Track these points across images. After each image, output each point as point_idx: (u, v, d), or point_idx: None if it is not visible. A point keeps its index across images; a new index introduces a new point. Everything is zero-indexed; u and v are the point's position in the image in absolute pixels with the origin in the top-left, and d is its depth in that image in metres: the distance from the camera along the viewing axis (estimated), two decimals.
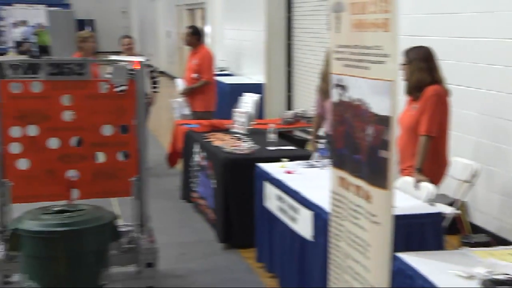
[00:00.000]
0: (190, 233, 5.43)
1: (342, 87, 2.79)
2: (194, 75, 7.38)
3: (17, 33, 22.53)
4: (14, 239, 3.37)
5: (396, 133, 2.44)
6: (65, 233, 3.29)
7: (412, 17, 5.61)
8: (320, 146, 4.59)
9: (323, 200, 3.42)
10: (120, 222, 4.03)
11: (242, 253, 4.89)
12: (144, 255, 4.01)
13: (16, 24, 23.30)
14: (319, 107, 5.00)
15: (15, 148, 4.11)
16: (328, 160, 4.38)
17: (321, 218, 3.38)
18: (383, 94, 2.43)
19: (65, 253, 3.30)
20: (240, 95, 7.05)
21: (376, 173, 2.52)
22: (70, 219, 3.37)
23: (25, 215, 3.48)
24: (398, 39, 2.34)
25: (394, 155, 2.45)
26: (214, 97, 7.63)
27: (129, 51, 7.26)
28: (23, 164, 4.13)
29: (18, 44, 21.49)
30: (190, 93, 7.39)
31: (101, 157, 4.27)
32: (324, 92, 4.70)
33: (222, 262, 4.74)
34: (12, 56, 17.38)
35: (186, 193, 6.28)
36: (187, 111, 7.38)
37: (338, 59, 2.82)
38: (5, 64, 4.03)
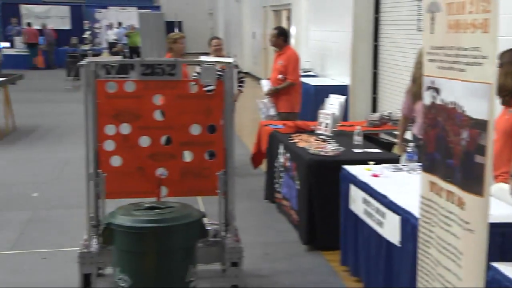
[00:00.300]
0: (273, 234, 5.45)
1: (435, 89, 2.71)
2: (280, 76, 7.41)
3: (111, 35, 23.50)
4: (107, 233, 3.50)
5: (493, 137, 2.34)
6: (155, 229, 3.38)
7: (509, 17, 5.37)
8: (407, 149, 4.48)
9: (411, 204, 3.35)
10: (205, 220, 4.10)
11: (325, 256, 4.86)
12: (229, 254, 4.02)
13: (109, 26, 24.33)
14: (406, 109, 4.89)
15: (109, 145, 4.23)
16: (417, 164, 4.29)
17: (409, 223, 3.30)
18: (480, 97, 2.34)
19: (154, 248, 3.39)
20: (324, 97, 7.00)
21: (470, 179, 2.43)
22: (160, 215, 3.46)
23: (117, 210, 3.61)
24: (497, 40, 2.25)
25: (490, 160, 2.35)
26: (299, 98, 7.63)
27: (218, 52, 7.37)
28: (116, 161, 4.27)
29: (111, 45, 22.42)
30: (275, 94, 7.43)
31: (188, 156, 4.34)
32: (414, 95, 4.59)
33: (305, 264, 4.73)
34: (105, 57, 18.13)
35: (270, 194, 6.32)
36: (272, 112, 7.41)
37: (432, 60, 2.75)
38: (101, 65, 4.18)
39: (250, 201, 6.29)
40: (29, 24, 23.27)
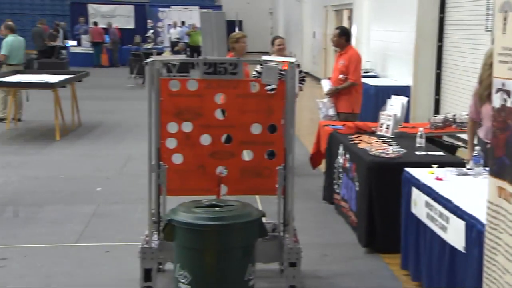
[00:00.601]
0: (331, 235, 5.41)
1: (506, 91, 2.62)
2: (341, 76, 7.34)
3: (173, 34, 23.92)
4: (168, 229, 3.55)
5: None
6: (216, 227, 3.41)
7: None
8: (473, 153, 4.36)
9: (477, 210, 3.26)
10: (264, 220, 4.10)
11: (384, 259, 4.79)
12: (287, 254, 4.01)
13: (172, 25, 24.77)
14: (474, 113, 4.74)
15: (171, 143, 4.27)
16: (482, 168, 4.17)
17: (474, 229, 3.20)
18: None
19: (215, 246, 3.42)
20: (385, 98, 6.90)
21: None
22: (221, 213, 3.50)
23: (178, 207, 3.66)
24: None
25: None
26: (360, 99, 7.54)
27: (281, 51, 7.34)
28: (177, 158, 4.29)
29: (173, 44, 22.79)
30: (335, 94, 7.37)
31: (248, 155, 4.34)
32: (481, 97, 4.46)
33: (364, 267, 4.67)
34: (167, 56, 18.46)
35: (328, 195, 6.27)
36: (331, 112, 7.36)
37: (503, 62, 2.66)
38: (164, 63, 4.24)
39: (308, 201, 6.26)
40: (95, 23, 23.96)
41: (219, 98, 4.31)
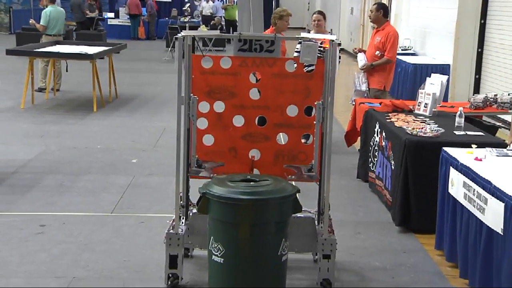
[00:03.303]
0: (365, 213, 5.39)
1: None
2: (377, 53, 7.25)
3: (205, 8, 23.80)
4: (203, 202, 3.55)
5: None
6: (251, 202, 3.40)
7: None
8: None
9: None
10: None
11: (419, 239, 4.75)
12: (322, 246, 3.79)
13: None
14: None
15: (202, 123, 4.06)
16: None
17: None
18: None
19: (249, 220, 3.41)
20: (423, 76, 6.79)
21: None
22: (256, 188, 3.48)
23: (214, 180, 3.64)
24: None
25: None
26: (391, 76, 7.43)
27: (319, 27, 7.22)
28: (208, 140, 4.10)
29: (204, 18, 22.70)
30: (369, 70, 7.28)
31: (283, 139, 4.13)
32: None
33: (397, 246, 4.64)
34: (203, 30, 18.43)
35: (363, 173, 6.23)
36: (364, 87, 7.27)
37: None
38: (197, 38, 3.93)
39: (342, 178, 6.23)
40: None
41: (255, 77, 4.09)
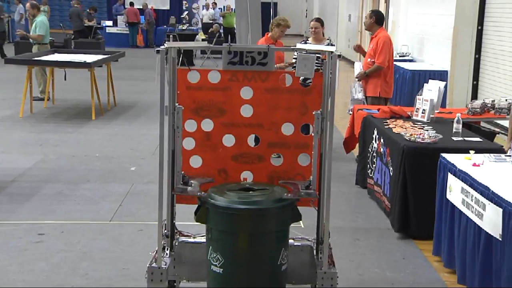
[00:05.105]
0: (364, 219, 5.39)
1: None
2: (369, 60, 7.28)
3: (205, 15, 23.90)
4: (201, 211, 3.51)
5: None
6: (250, 211, 3.36)
7: None
8: None
9: None
10: (296, 234, 3.70)
11: (418, 245, 4.75)
12: (321, 280, 3.43)
13: (206, 7, 24.75)
14: None
15: (188, 143, 3.69)
16: None
17: None
18: None
19: (248, 230, 3.37)
20: (421, 82, 6.80)
21: None
22: (255, 197, 3.43)
23: (212, 189, 3.57)
24: None
25: None
26: (390, 83, 7.36)
27: (316, 35, 7.24)
28: (196, 161, 3.72)
29: (205, 25, 22.78)
30: (364, 78, 7.30)
31: (277, 159, 3.74)
32: None
33: (396, 252, 4.64)
34: (200, 37, 18.47)
35: (362, 179, 6.24)
36: (360, 95, 7.29)
37: None
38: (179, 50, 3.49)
39: (341, 185, 6.24)
40: (131, 4, 24.10)
41: (246, 93, 3.67)
